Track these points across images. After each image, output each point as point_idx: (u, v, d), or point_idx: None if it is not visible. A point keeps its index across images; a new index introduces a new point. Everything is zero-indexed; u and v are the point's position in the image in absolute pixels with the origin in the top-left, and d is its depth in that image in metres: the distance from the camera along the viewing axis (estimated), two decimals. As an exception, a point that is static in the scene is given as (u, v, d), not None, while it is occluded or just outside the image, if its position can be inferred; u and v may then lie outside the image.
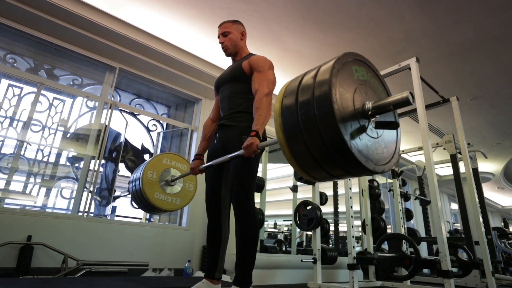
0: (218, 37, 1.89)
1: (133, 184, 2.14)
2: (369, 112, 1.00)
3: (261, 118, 1.54)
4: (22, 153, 3.06)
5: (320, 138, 0.92)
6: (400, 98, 0.96)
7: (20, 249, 2.55)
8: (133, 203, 2.25)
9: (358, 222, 4.31)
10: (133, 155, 3.96)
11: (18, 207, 3.00)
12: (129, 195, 3.83)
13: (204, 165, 1.79)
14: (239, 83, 1.76)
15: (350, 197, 2.89)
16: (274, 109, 1.06)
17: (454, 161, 3.70)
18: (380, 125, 1.03)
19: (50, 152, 3.25)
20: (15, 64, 3.25)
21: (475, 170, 4.48)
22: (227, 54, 1.88)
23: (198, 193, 2.43)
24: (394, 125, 1.05)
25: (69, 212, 3.21)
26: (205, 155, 1.93)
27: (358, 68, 1.03)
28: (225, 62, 3.92)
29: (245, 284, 1.54)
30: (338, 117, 0.89)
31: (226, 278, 2.77)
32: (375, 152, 1.01)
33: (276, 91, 2.45)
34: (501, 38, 3.27)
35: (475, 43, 3.36)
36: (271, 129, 3.99)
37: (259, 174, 3.72)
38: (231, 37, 1.85)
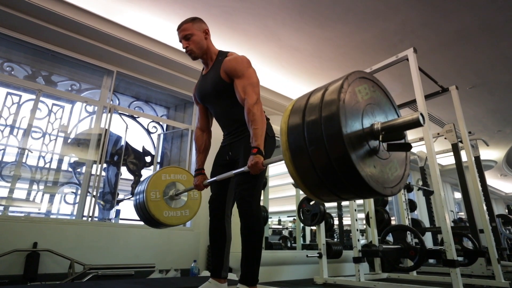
0: (180, 41, 1.72)
1: (139, 207, 2.08)
2: (379, 134, 0.97)
3: (258, 131, 1.49)
4: (24, 160, 3.07)
5: (327, 159, 0.90)
6: (410, 120, 0.93)
7: (27, 256, 2.57)
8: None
9: (362, 215, 4.31)
10: (134, 158, 3.96)
11: (22, 214, 3.01)
12: (132, 197, 3.85)
13: (208, 181, 1.75)
14: (227, 97, 1.66)
15: (353, 191, 2.89)
16: (280, 127, 1.03)
17: (455, 150, 3.69)
18: (392, 148, 1.00)
19: (51, 158, 3.26)
20: (12, 72, 3.25)
21: (477, 159, 4.47)
22: (194, 58, 1.72)
23: (203, 196, 2.43)
24: (406, 147, 1.01)
25: (74, 218, 3.22)
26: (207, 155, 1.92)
27: (360, 88, 0.99)
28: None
29: (251, 282, 1.55)
30: (346, 138, 0.87)
31: (232, 276, 2.78)
32: (384, 173, 0.99)
33: (279, 96, 2.42)
34: (498, 25, 3.25)
35: (472, 31, 3.34)
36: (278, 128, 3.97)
37: (261, 171, 3.71)
38: (194, 40, 1.68)
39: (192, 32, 1.68)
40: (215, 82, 1.68)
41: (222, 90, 1.66)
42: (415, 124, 0.92)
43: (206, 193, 1.85)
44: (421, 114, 0.91)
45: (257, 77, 1.65)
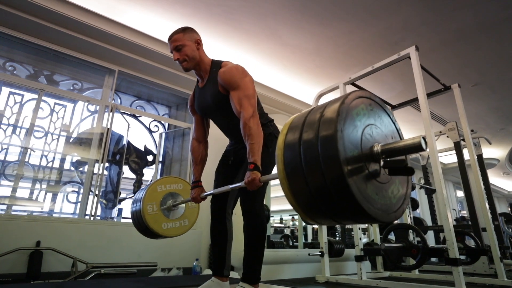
0: (171, 52, 1.64)
1: (136, 220, 2.04)
2: (379, 157, 0.93)
3: (255, 146, 1.43)
4: (26, 159, 3.08)
5: (322, 180, 0.86)
6: (411, 143, 0.89)
7: (30, 254, 2.58)
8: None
9: (363, 214, 4.29)
10: (136, 157, 3.97)
11: (25, 213, 3.03)
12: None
13: (205, 193, 1.71)
14: (230, 109, 1.60)
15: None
16: (277, 143, 1.00)
17: (458, 148, 3.68)
18: (393, 172, 0.96)
19: (54, 157, 3.27)
20: (14, 72, 3.26)
21: (480, 157, 4.45)
22: (186, 70, 1.64)
23: (202, 203, 2.42)
24: (408, 172, 0.95)
25: (76, 216, 3.24)
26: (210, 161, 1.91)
27: (358, 110, 0.94)
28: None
29: (253, 280, 1.55)
30: (343, 159, 0.83)
31: (234, 274, 2.79)
32: (386, 198, 0.94)
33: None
34: (501, 22, 3.23)
35: (474, 29, 3.32)
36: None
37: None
38: (186, 51, 1.60)
39: (183, 43, 1.60)
40: (214, 96, 1.63)
41: (223, 103, 1.61)
42: (416, 148, 0.89)
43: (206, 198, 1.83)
44: (423, 138, 0.88)
45: (253, 87, 1.59)
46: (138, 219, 2.00)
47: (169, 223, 2.06)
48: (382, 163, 0.94)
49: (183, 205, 2.13)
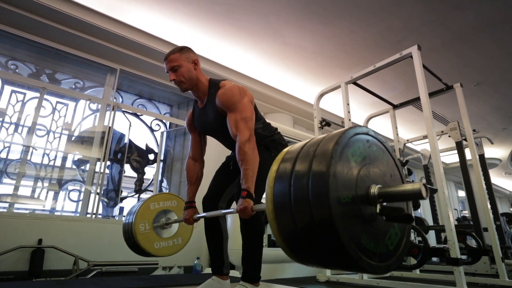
0: (167, 72, 1.58)
1: (127, 235, 1.99)
2: (375, 200, 0.86)
3: (249, 172, 1.39)
4: (28, 158, 3.10)
5: (310, 218, 0.79)
6: (411, 190, 0.82)
7: (32, 252, 2.59)
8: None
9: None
10: (138, 156, 3.98)
11: (27, 211, 3.04)
12: (136, 195, 3.87)
13: (198, 215, 1.67)
14: None
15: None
16: (270, 172, 0.95)
17: (459, 148, 3.66)
18: (390, 219, 0.88)
19: (56, 156, 3.28)
20: (17, 70, 3.27)
21: (482, 157, 4.44)
22: (183, 91, 1.60)
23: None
24: (407, 220, 0.87)
25: (78, 215, 3.25)
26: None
27: (354, 150, 0.88)
28: (226, 60, 3.91)
29: (253, 279, 1.55)
30: (333, 199, 0.76)
31: (235, 273, 2.79)
32: (381, 246, 0.86)
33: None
34: (503, 22, 3.22)
35: (477, 28, 3.31)
36: (289, 129, 3.95)
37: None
38: (182, 72, 1.54)
39: (179, 63, 1.54)
40: (215, 118, 1.59)
41: (224, 123, 1.56)
42: (416, 195, 0.82)
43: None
44: (424, 185, 0.81)
45: (251, 108, 1.55)
46: (129, 234, 1.95)
47: (161, 242, 2.00)
48: (378, 207, 0.86)
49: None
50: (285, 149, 0.99)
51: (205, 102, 1.64)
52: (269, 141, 1.63)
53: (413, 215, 0.90)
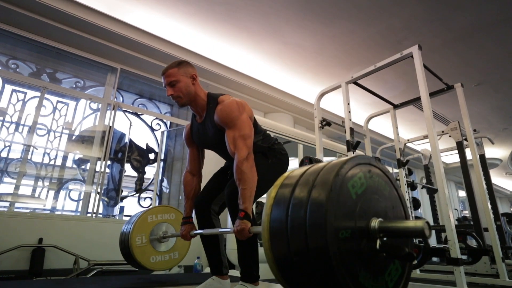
0: (164, 86, 1.56)
1: (124, 252, 1.97)
2: (376, 235, 0.83)
3: (246, 192, 1.36)
4: (29, 157, 3.10)
5: (305, 246, 0.77)
6: (413, 228, 0.80)
7: (32, 251, 2.60)
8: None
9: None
10: (138, 155, 3.98)
11: (28, 210, 3.04)
12: (136, 194, 3.87)
13: (195, 232, 1.65)
14: None
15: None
16: (268, 195, 0.92)
17: (460, 148, 3.66)
18: (391, 256, 0.86)
19: (56, 155, 3.29)
20: (17, 70, 3.27)
21: (482, 157, 4.43)
22: (181, 106, 1.57)
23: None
24: (408, 258, 0.84)
25: (78, 214, 3.25)
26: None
27: (354, 181, 0.85)
28: (226, 59, 3.91)
29: (252, 279, 1.55)
30: (331, 235, 0.73)
31: (235, 273, 2.79)
32: (380, 284, 0.83)
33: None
34: (503, 21, 3.21)
35: (477, 28, 3.30)
36: (289, 129, 3.95)
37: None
38: (180, 87, 1.52)
39: (177, 78, 1.52)
40: (215, 133, 1.57)
41: (224, 139, 1.53)
42: (418, 234, 0.79)
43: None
44: (427, 223, 0.79)
45: (250, 125, 1.52)
46: (125, 244, 1.92)
47: (158, 256, 1.98)
48: (379, 242, 0.83)
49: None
50: (285, 174, 0.96)
51: (204, 117, 1.61)
52: (267, 149, 1.62)
53: (414, 256, 0.87)
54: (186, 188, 1.73)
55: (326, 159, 2.95)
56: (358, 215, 0.82)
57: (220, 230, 1.50)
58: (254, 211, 1.44)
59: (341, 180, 0.81)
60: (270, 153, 1.63)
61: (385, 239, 0.83)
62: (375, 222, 0.83)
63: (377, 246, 0.82)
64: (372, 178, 0.90)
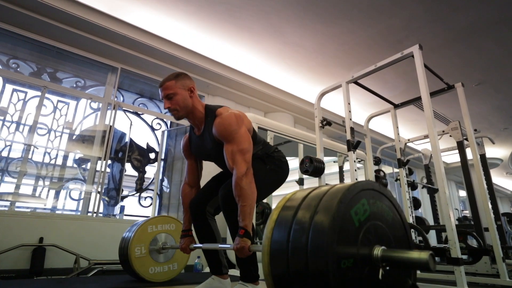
0: (161, 99, 1.54)
1: (122, 257, 1.96)
2: (378, 264, 0.81)
3: (246, 208, 1.35)
4: (29, 156, 3.10)
5: (305, 267, 0.75)
6: (417, 259, 0.78)
7: (33, 251, 2.60)
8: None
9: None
10: (138, 155, 3.98)
11: (28, 210, 3.05)
12: (136, 194, 3.87)
13: (195, 245, 1.65)
14: None
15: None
16: (269, 220, 0.90)
17: (461, 148, 3.66)
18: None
19: (57, 154, 3.29)
20: (18, 69, 3.27)
21: (483, 156, 4.42)
22: (178, 119, 1.56)
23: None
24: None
25: (79, 213, 3.26)
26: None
27: (357, 208, 0.84)
28: (227, 59, 3.90)
29: (251, 279, 1.55)
30: (332, 264, 0.71)
31: (236, 272, 2.79)
32: None
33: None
34: (504, 21, 3.21)
35: (478, 27, 3.30)
36: (289, 129, 3.94)
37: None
38: (177, 100, 1.51)
39: (175, 91, 1.51)
40: (213, 146, 1.55)
41: (223, 151, 1.52)
42: (422, 266, 0.78)
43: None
44: (432, 255, 0.77)
45: (249, 139, 1.50)
46: (124, 251, 1.91)
47: (157, 267, 1.96)
48: (381, 272, 0.81)
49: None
50: (287, 196, 0.95)
51: (202, 130, 1.60)
52: (265, 155, 1.61)
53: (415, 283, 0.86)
54: (185, 200, 1.72)
55: (326, 159, 2.95)
56: (361, 243, 0.80)
57: (220, 246, 1.50)
58: (254, 212, 1.44)
59: (344, 208, 0.80)
60: (269, 159, 1.62)
61: (387, 268, 0.81)
62: (378, 250, 0.81)
63: (380, 276, 0.80)
64: (375, 204, 0.89)
